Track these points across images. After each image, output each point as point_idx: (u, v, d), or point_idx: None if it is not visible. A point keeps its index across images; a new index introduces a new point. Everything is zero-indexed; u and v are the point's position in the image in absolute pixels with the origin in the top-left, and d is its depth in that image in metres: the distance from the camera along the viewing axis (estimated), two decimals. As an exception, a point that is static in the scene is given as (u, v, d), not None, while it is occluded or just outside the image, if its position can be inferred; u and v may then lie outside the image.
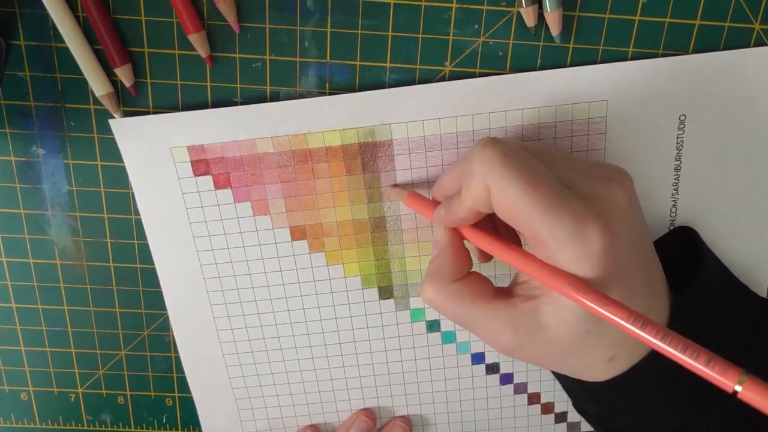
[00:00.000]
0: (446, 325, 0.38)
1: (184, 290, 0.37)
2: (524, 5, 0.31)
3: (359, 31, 0.32)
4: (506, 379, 0.39)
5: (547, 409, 0.40)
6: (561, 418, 0.40)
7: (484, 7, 0.32)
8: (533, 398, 0.39)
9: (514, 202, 0.24)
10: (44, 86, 0.33)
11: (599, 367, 0.27)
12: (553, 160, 0.27)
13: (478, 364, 0.39)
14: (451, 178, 0.29)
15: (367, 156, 0.34)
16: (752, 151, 0.34)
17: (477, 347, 0.38)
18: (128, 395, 0.40)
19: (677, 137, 0.34)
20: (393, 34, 0.32)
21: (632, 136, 0.33)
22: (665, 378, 0.27)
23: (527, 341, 0.27)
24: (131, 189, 0.35)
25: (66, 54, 0.32)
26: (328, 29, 0.32)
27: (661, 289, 0.28)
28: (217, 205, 0.35)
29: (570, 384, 0.31)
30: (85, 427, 0.41)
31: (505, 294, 0.28)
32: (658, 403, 0.28)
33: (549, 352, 0.27)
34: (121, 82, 0.33)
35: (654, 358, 0.26)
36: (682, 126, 0.33)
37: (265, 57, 0.33)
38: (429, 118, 0.33)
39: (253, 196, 0.35)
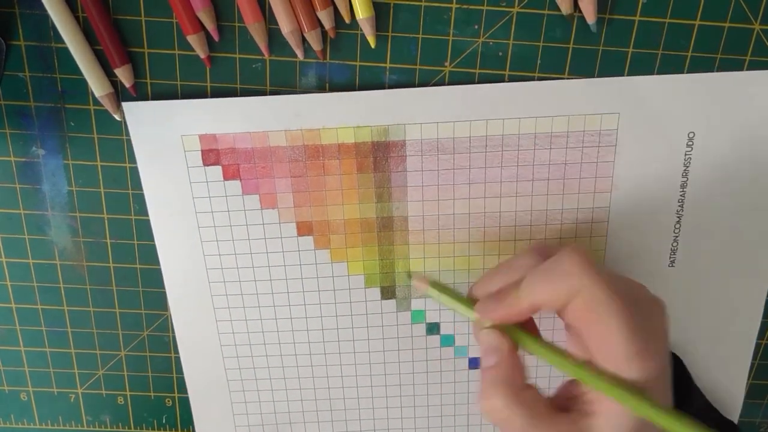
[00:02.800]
0: (446, 329, 0.38)
1: (185, 279, 0.37)
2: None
3: (359, 32, 0.32)
4: None
5: None
6: None
7: (484, 7, 0.32)
8: None
9: (601, 316, 0.25)
10: (44, 86, 0.33)
11: None
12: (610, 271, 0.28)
13: (475, 368, 0.39)
14: (500, 280, 0.29)
15: (379, 155, 0.34)
16: (758, 175, 0.34)
17: (474, 351, 0.38)
18: (128, 395, 0.40)
19: (685, 154, 0.34)
20: (393, 34, 0.32)
21: (641, 151, 0.34)
22: None
23: None
24: (131, 189, 0.35)
25: (66, 54, 0.32)
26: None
27: None
28: (225, 196, 0.35)
29: None
30: (85, 428, 0.41)
31: (560, 407, 0.28)
32: None
33: None
34: (121, 82, 0.33)
35: None
36: (691, 143, 0.33)
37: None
38: (444, 120, 0.33)
39: (262, 189, 0.35)
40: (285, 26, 0.31)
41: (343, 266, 0.36)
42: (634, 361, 0.25)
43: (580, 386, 0.27)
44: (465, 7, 0.32)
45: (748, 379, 0.40)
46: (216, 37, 0.32)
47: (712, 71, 0.33)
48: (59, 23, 0.31)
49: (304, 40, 0.32)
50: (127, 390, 0.40)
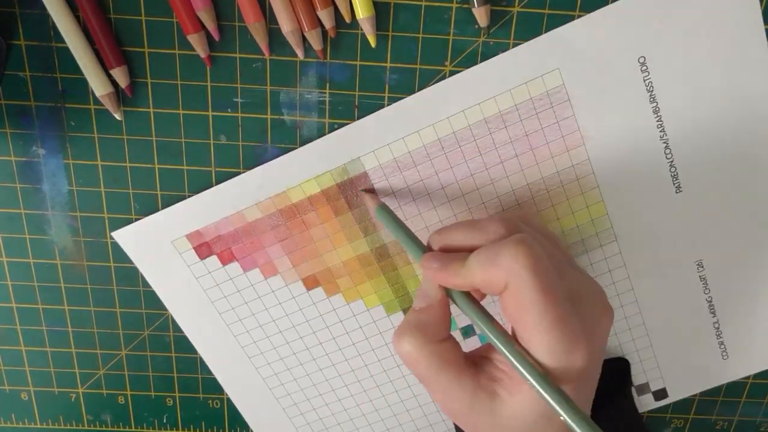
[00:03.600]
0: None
1: (227, 362, 0.39)
2: (476, 5, 0.31)
3: (359, 32, 0.32)
4: None
5: None
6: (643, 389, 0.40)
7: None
8: None
9: (526, 307, 0.25)
10: (44, 86, 0.33)
11: None
12: (564, 265, 0.28)
13: None
14: (462, 238, 0.28)
15: (348, 193, 0.34)
16: (726, 64, 0.32)
17: None
18: (128, 395, 0.41)
19: (644, 80, 0.33)
20: (393, 33, 0.32)
21: (597, 95, 0.33)
22: None
23: (479, 421, 0.27)
24: (131, 189, 0.35)
25: (66, 54, 0.32)
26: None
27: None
28: (230, 279, 0.36)
29: None
30: (86, 427, 0.41)
31: (471, 365, 0.28)
32: None
33: None
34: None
35: None
36: (645, 68, 0.32)
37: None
38: (393, 140, 0.33)
39: (259, 262, 0.36)
40: (285, 26, 0.31)
41: (359, 304, 0.37)
42: (554, 356, 0.25)
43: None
44: (465, 6, 0.32)
45: (749, 377, 0.40)
46: (216, 37, 0.32)
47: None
48: (59, 23, 0.31)
49: (304, 39, 0.32)
50: (128, 389, 0.40)
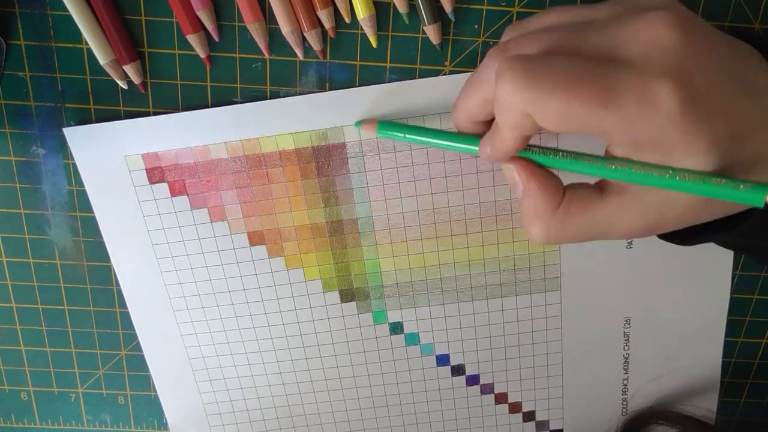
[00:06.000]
0: (410, 327, 0.38)
1: (145, 297, 0.37)
2: (427, 23, 0.31)
3: (359, 31, 0.32)
4: (472, 380, 0.39)
5: (514, 408, 0.39)
6: (529, 416, 0.40)
7: (484, 7, 0.32)
8: (500, 398, 0.39)
9: (564, 116, 0.22)
10: (44, 86, 0.33)
11: None
12: (579, 33, 0.24)
13: (443, 365, 0.38)
14: (477, 102, 0.26)
15: (321, 160, 0.34)
16: None
17: (441, 349, 0.38)
18: (128, 395, 0.40)
19: None
20: (393, 34, 0.32)
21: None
22: None
23: (660, 218, 0.24)
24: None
25: (66, 54, 0.32)
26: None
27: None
28: (174, 212, 0.35)
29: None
30: (85, 427, 0.41)
31: (608, 190, 0.25)
32: None
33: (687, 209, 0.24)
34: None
35: None
36: None
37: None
38: (383, 120, 0.33)
39: (210, 203, 0.35)
40: (285, 26, 0.31)
41: (299, 273, 0.36)
42: (640, 127, 0.22)
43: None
44: (464, 7, 0.32)
45: (749, 377, 0.40)
46: (216, 37, 0.32)
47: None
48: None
49: (304, 39, 0.32)
50: (128, 389, 0.40)
